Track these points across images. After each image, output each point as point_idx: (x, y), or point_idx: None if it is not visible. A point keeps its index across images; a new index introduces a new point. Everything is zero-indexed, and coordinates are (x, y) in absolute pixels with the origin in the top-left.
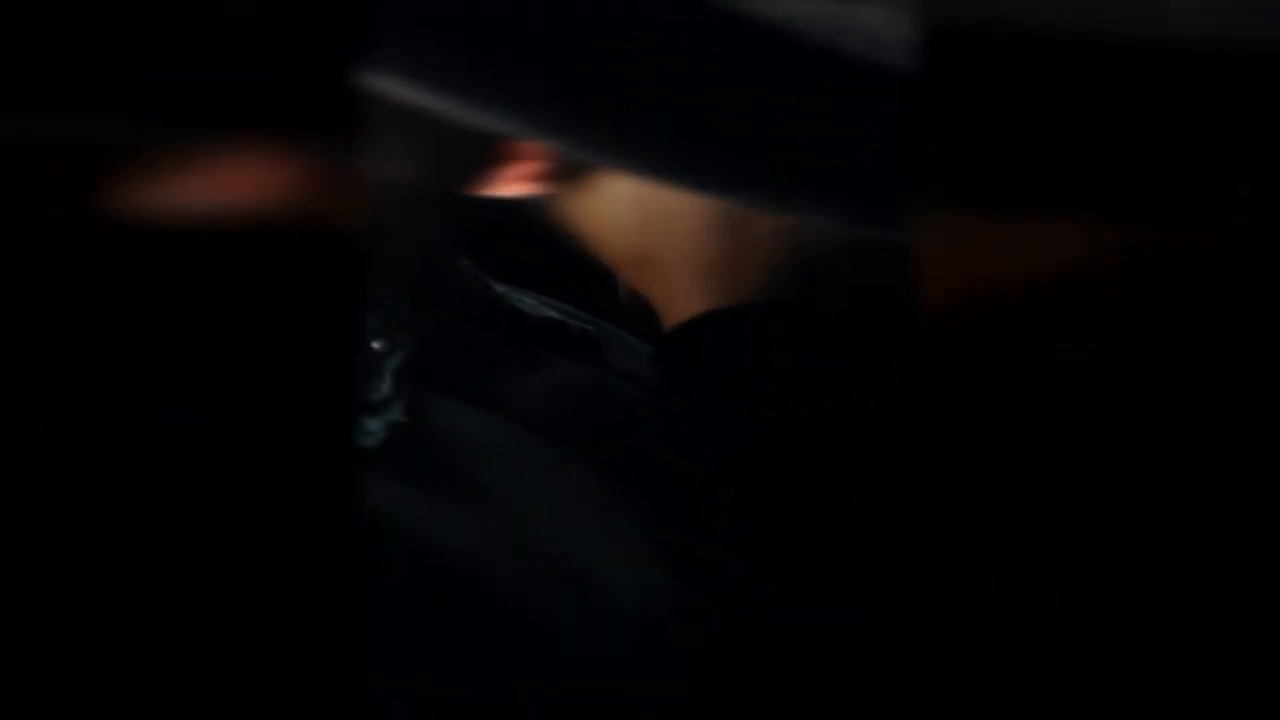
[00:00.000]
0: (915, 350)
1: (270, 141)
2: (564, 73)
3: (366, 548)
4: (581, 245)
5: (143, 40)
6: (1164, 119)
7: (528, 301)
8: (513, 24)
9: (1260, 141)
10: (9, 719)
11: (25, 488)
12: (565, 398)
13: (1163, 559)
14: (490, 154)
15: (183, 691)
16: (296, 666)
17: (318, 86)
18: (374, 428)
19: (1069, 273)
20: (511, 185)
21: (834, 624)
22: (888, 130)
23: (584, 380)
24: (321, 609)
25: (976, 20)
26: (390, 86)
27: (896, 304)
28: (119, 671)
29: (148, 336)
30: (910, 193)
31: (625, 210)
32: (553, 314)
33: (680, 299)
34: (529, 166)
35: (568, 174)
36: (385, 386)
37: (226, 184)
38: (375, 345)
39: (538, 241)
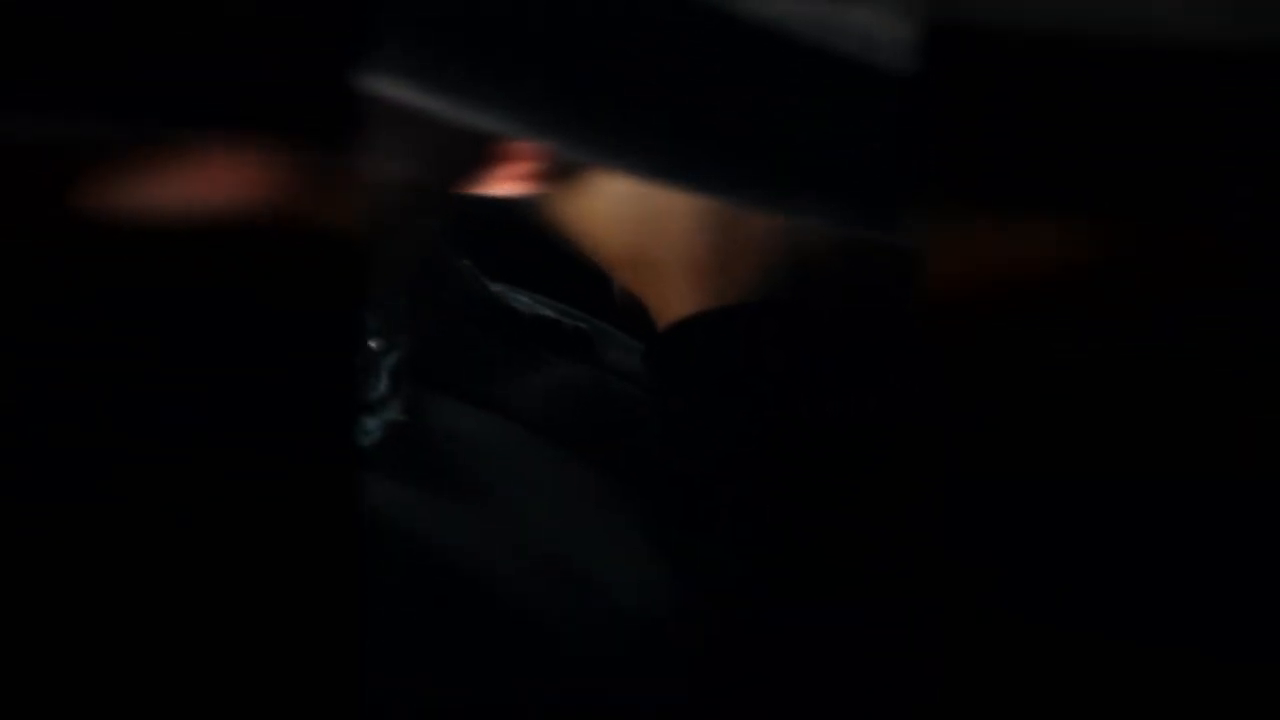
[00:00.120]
0: (911, 350)
1: (269, 141)
2: (560, 73)
3: (365, 548)
4: (576, 245)
5: (141, 39)
6: (1163, 119)
7: (524, 301)
8: (508, 24)
9: (1260, 142)
10: (9, 719)
11: (25, 488)
12: (563, 397)
13: (1163, 559)
14: (486, 154)
15: (182, 692)
16: (295, 666)
17: (317, 86)
18: (371, 427)
19: (1068, 273)
20: (507, 185)
21: (834, 624)
22: (884, 131)
23: (582, 380)
24: (320, 609)
25: (976, 21)
26: (389, 86)
27: (892, 304)
28: (118, 672)
29: (146, 336)
30: (907, 193)
31: (620, 210)
32: (549, 313)
33: (674, 299)
34: (524, 166)
35: (563, 174)
36: (383, 386)
37: (225, 183)
38: (373, 344)
39: (533, 241)
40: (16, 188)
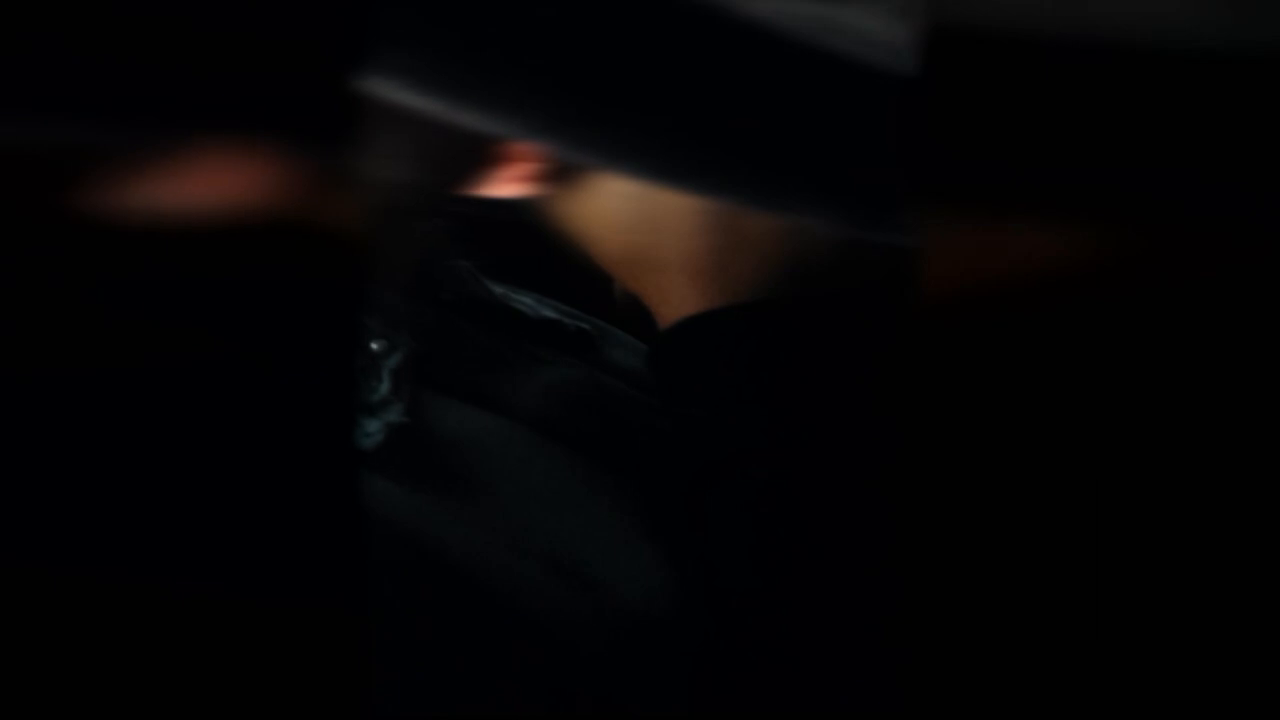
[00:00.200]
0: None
1: (271, 144)
2: (559, 75)
3: (366, 548)
4: (576, 245)
5: (143, 42)
6: (1162, 120)
7: (525, 301)
8: (508, 26)
9: (1259, 142)
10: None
11: (25, 488)
12: (564, 397)
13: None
14: (486, 155)
15: (184, 691)
16: (296, 666)
17: (317, 88)
18: (373, 428)
19: (1067, 273)
20: (507, 185)
21: (833, 624)
22: (881, 131)
23: (582, 379)
24: (320, 608)
25: (975, 22)
26: (388, 88)
27: (890, 303)
28: (120, 672)
29: (147, 336)
30: (906, 193)
31: (620, 210)
32: (550, 314)
33: (674, 299)
34: (524, 167)
35: (563, 174)
36: (384, 387)
37: (227, 185)
38: (374, 346)
39: (533, 242)
40: (18, 189)
